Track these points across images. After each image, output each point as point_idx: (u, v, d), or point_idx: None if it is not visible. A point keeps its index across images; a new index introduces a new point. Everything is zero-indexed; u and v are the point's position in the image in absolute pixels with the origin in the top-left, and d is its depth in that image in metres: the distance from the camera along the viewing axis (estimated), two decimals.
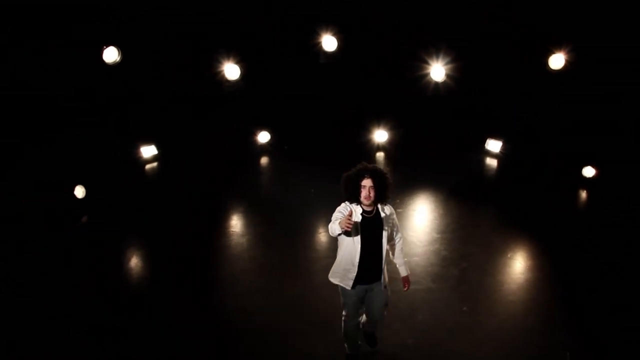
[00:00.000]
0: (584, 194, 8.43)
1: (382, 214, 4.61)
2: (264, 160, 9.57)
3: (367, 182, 4.39)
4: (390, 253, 4.97)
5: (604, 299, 5.98)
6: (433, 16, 9.22)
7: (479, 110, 9.78)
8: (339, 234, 4.40)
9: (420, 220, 7.60)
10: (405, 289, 4.98)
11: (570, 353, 5.20)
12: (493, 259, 6.71)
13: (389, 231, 4.69)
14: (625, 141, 8.38)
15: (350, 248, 4.58)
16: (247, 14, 9.07)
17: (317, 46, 9.34)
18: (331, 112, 9.88)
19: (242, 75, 9.06)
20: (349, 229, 4.19)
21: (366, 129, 9.82)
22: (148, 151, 9.18)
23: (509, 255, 6.78)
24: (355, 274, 4.63)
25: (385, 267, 4.74)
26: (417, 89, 9.53)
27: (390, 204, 4.72)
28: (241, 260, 6.75)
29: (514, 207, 7.99)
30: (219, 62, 9.08)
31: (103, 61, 8.10)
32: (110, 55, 8.10)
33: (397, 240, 4.91)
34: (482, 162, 9.52)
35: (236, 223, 7.70)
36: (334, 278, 4.79)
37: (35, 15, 7.65)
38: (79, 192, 7.64)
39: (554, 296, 6.05)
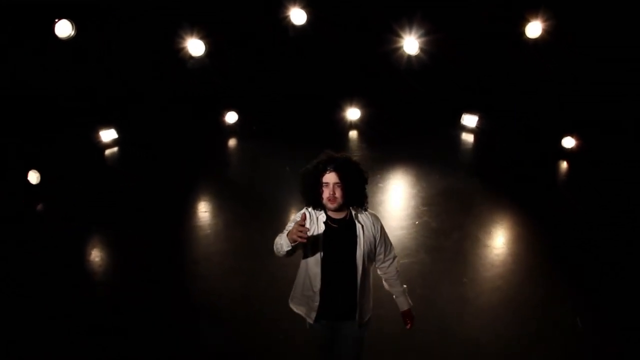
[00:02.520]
0: (564, 165, 8.19)
1: (358, 224, 3.47)
2: (232, 141, 9.02)
3: (330, 178, 3.30)
4: (383, 280, 3.85)
5: (602, 260, 5.80)
6: None
7: (455, 84, 9.45)
8: (288, 252, 3.28)
9: (404, 194, 7.25)
10: (408, 326, 3.86)
11: (580, 319, 4.90)
12: (485, 228, 6.42)
13: (369, 248, 3.51)
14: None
15: (310, 269, 3.49)
16: None
17: (286, 20, 8.85)
18: (300, 89, 9.38)
19: (207, 51, 8.49)
20: (303, 241, 3.13)
21: (338, 107, 9.40)
22: (108, 135, 8.54)
23: (505, 228, 6.44)
24: (317, 303, 3.52)
25: (367, 298, 3.65)
26: (390, 63, 9.13)
27: (372, 212, 3.59)
28: (218, 240, 6.23)
29: (496, 178, 7.71)
30: (182, 38, 8.47)
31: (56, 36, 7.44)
32: (63, 29, 7.45)
33: (388, 262, 3.72)
34: (459, 137, 9.20)
35: (208, 204, 7.18)
36: (294, 304, 3.70)
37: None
38: (33, 177, 6.96)
39: (556, 263, 5.75)
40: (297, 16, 8.80)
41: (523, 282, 5.47)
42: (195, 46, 8.49)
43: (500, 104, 9.37)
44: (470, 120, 9.54)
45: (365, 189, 3.44)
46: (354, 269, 3.50)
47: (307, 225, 3.35)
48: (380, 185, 7.43)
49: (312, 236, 3.38)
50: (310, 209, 3.45)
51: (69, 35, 7.54)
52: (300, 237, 3.09)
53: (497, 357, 4.58)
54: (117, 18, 8.08)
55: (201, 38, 8.50)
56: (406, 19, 9.06)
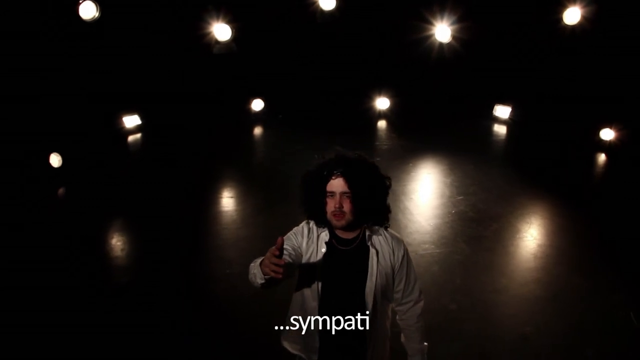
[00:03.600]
0: (602, 157, 7.82)
1: (373, 249, 2.73)
2: (257, 129, 8.77)
3: (337, 186, 2.59)
4: (401, 328, 2.94)
5: None
6: None
7: (487, 73, 9.11)
8: (263, 285, 2.48)
9: (438, 183, 6.94)
10: None
11: (634, 313, 4.55)
12: (524, 219, 6.09)
13: (384, 281, 2.74)
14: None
15: (307, 302, 2.76)
16: None
17: (314, 5, 8.57)
18: (328, 77, 9.11)
19: (234, 36, 8.23)
20: (278, 277, 2.29)
21: (367, 96, 9.11)
22: (131, 121, 8.33)
23: (546, 219, 6.10)
24: (319, 344, 2.80)
25: (381, 346, 2.88)
26: (421, 52, 8.82)
27: (395, 233, 2.84)
28: (244, 225, 5.97)
29: (532, 169, 7.38)
30: (207, 22, 8.23)
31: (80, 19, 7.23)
32: (88, 10, 7.24)
33: (407, 304, 2.87)
34: (491, 128, 8.87)
35: (233, 190, 6.92)
36: (289, 342, 2.96)
37: None
38: (55, 160, 6.74)
39: (601, 255, 5.42)
40: (326, 1, 8.52)
41: (567, 275, 5.14)
42: (221, 31, 8.24)
43: (535, 94, 9.01)
44: (503, 111, 9.21)
45: (386, 201, 2.69)
46: (363, 307, 2.70)
47: (305, 245, 2.73)
48: (413, 173, 7.11)
49: (309, 262, 2.70)
50: (311, 224, 2.77)
51: (93, 17, 7.32)
52: (275, 272, 2.28)
53: (544, 349, 4.25)
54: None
55: (227, 22, 8.24)
56: (437, 5, 8.74)
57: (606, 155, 7.81)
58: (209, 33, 8.36)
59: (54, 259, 5.28)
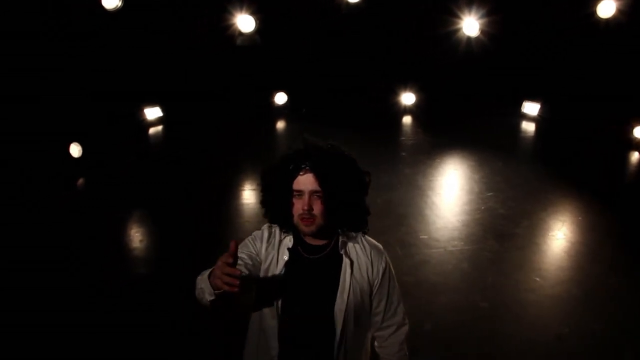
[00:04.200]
0: (636, 156, 7.54)
1: (347, 259, 2.29)
2: (280, 123, 8.62)
3: (305, 183, 2.18)
4: (380, 358, 2.49)
5: None
6: None
7: (516, 68, 8.87)
8: (213, 302, 2.05)
9: (466, 179, 6.73)
10: None
11: None
12: (555, 216, 5.87)
13: (358, 299, 2.29)
14: None
15: (265, 321, 2.31)
16: None
17: None
18: (353, 70, 8.93)
19: (258, 28, 8.09)
20: (233, 290, 1.88)
21: (392, 90, 8.92)
22: (152, 113, 8.23)
23: (579, 217, 5.86)
24: None
25: None
26: (448, 46, 8.61)
27: (375, 242, 2.39)
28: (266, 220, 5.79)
29: (562, 167, 7.13)
30: (230, 14, 8.10)
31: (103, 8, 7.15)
32: (110, 0, 7.15)
33: (388, 330, 2.43)
34: (519, 125, 8.62)
35: (255, 183, 6.75)
36: None
37: None
38: (75, 150, 6.65)
39: (636, 254, 5.20)
40: None
41: (602, 274, 4.91)
42: (245, 22, 8.11)
43: (565, 90, 8.74)
44: (531, 108, 8.95)
45: (364, 201, 2.27)
46: (332, 329, 2.24)
47: (264, 251, 2.30)
48: (440, 169, 6.95)
49: (267, 273, 2.26)
50: (274, 228, 2.34)
51: (115, 7, 7.24)
52: (229, 284, 1.86)
53: (580, 350, 4.04)
54: None
55: (251, 14, 8.11)
56: None
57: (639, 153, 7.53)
58: (233, 25, 8.24)
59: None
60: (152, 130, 8.29)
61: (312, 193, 2.17)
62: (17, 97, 6.22)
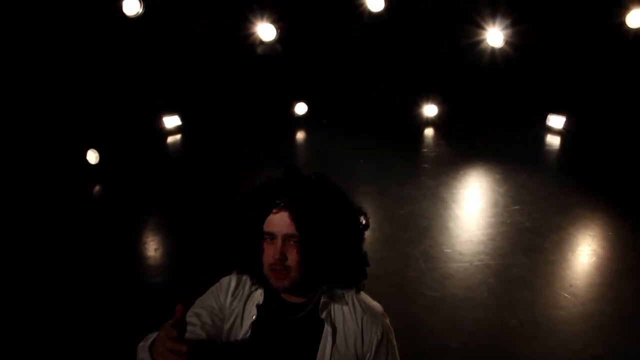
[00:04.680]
0: None
1: (329, 325, 1.84)
2: (300, 134, 8.49)
3: (279, 223, 1.77)
4: None
5: None
6: None
7: (541, 80, 8.69)
8: None
9: (491, 192, 6.55)
10: None
11: None
12: (586, 231, 5.66)
13: None
14: None
15: None
16: None
17: (362, 7, 8.29)
18: (374, 81, 8.81)
19: (279, 36, 7.99)
20: None
21: (414, 102, 8.76)
22: (171, 121, 8.14)
23: (610, 233, 5.64)
24: None
25: None
26: (472, 57, 8.44)
27: (372, 303, 1.98)
28: None
29: (589, 181, 6.87)
30: (251, 22, 8.01)
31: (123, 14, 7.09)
32: (132, 6, 7.09)
33: None
34: (544, 138, 8.42)
35: None
36: None
37: None
38: (92, 157, 6.57)
39: None
40: (375, 3, 8.24)
41: (636, 292, 4.69)
42: (265, 31, 8.02)
43: (592, 103, 8.53)
44: (556, 121, 8.74)
45: (357, 251, 1.83)
46: None
47: (228, 306, 1.87)
48: (464, 181, 6.78)
49: (230, 335, 1.84)
50: (244, 277, 1.92)
51: (137, 14, 7.17)
52: (177, 352, 1.49)
53: None
54: None
55: (272, 22, 8.02)
56: (490, 9, 8.37)
57: None
58: (253, 33, 8.16)
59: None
60: (170, 139, 8.17)
61: (287, 237, 1.73)
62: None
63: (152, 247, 5.50)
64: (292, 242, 1.73)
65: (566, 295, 4.58)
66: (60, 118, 6.52)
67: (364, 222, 1.85)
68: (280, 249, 1.71)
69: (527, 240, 5.42)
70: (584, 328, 4.25)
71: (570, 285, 4.73)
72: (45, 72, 6.43)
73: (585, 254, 5.24)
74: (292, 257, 1.71)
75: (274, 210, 1.74)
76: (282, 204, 1.73)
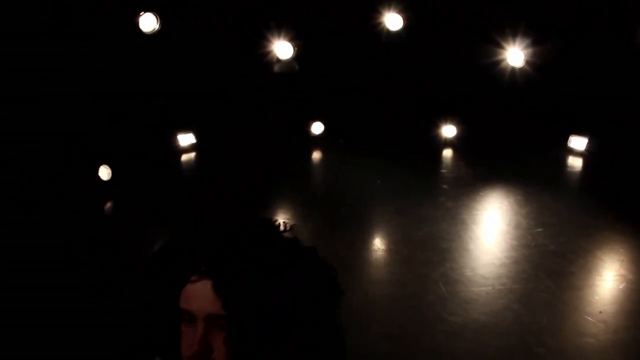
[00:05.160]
0: None
1: None
2: (316, 154, 8.34)
3: (199, 297, 1.27)
4: None
5: None
6: None
7: (563, 101, 8.49)
8: None
9: (513, 214, 6.32)
10: None
11: None
12: (614, 256, 5.42)
13: None
14: None
15: None
16: None
17: (379, 26, 8.20)
18: (392, 101, 8.66)
19: (296, 54, 7.89)
20: None
21: (432, 123, 8.59)
22: (186, 139, 8.04)
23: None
24: None
25: None
26: (491, 77, 8.27)
27: None
28: None
29: (615, 203, 6.62)
30: (268, 40, 7.92)
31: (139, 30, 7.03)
32: (148, 23, 7.03)
33: None
34: (566, 159, 8.19)
35: (289, 213, 6.47)
36: None
37: None
38: (104, 173, 6.46)
39: None
40: (393, 21, 8.14)
41: None
42: (282, 49, 7.93)
43: (615, 124, 8.31)
44: (578, 142, 8.49)
45: (326, 329, 1.38)
46: None
47: None
48: (485, 202, 6.57)
49: None
50: None
51: (153, 30, 7.11)
52: None
53: None
54: (202, 13, 7.57)
55: (289, 40, 7.93)
56: (510, 28, 8.21)
57: None
58: (270, 51, 8.07)
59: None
60: (184, 157, 8.08)
61: (211, 319, 1.24)
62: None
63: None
64: (218, 326, 1.23)
65: (596, 322, 4.32)
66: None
67: (330, 284, 1.33)
68: (202, 336, 1.22)
69: (552, 264, 5.19)
70: (617, 358, 3.99)
71: (600, 312, 4.47)
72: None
73: (614, 278, 5.00)
74: (219, 347, 1.21)
75: (192, 278, 1.24)
76: (202, 272, 1.23)
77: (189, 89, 7.91)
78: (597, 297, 4.75)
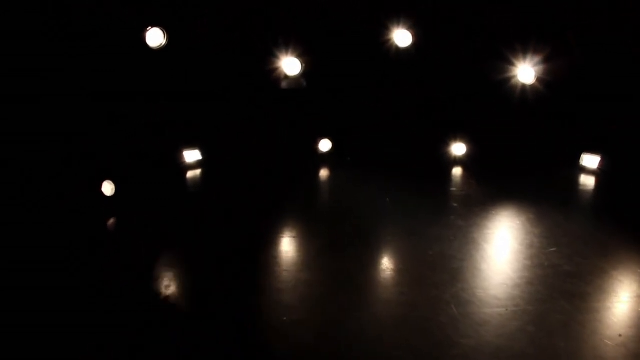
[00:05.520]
0: None
1: None
2: (324, 171, 8.22)
3: None
4: None
5: None
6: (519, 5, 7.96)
7: (575, 118, 8.36)
8: None
9: (526, 233, 6.14)
10: None
11: None
12: (630, 276, 5.23)
13: None
14: None
15: None
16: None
17: (389, 43, 8.12)
18: (401, 118, 8.56)
19: (304, 71, 7.81)
20: None
21: (442, 140, 8.47)
22: (191, 156, 7.95)
23: None
24: None
25: None
26: (502, 94, 8.16)
27: None
28: (305, 268, 5.35)
29: (634, 221, 6.46)
30: (276, 56, 7.85)
31: (146, 45, 6.97)
32: (155, 38, 6.97)
33: None
34: (577, 178, 8.03)
35: (295, 230, 6.34)
36: None
37: None
38: (107, 188, 6.35)
39: None
40: (402, 38, 8.06)
41: None
42: (290, 65, 7.85)
43: (629, 141, 8.16)
44: (591, 161, 8.34)
45: None
46: None
47: None
48: (496, 221, 6.41)
49: None
50: None
51: (160, 45, 7.06)
52: None
53: None
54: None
55: (297, 57, 7.86)
56: (520, 44, 8.12)
57: None
58: (278, 68, 7.99)
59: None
60: (190, 173, 7.97)
61: None
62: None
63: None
64: None
65: (615, 346, 4.13)
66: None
67: None
68: None
69: (568, 285, 5.01)
70: None
71: (620, 335, 4.29)
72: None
73: (632, 300, 4.82)
74: None
75: None
76: None
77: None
78: (615, 320, 4.56)
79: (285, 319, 4.52)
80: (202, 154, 8.11)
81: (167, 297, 4.88)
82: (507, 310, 4.61)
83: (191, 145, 8.03)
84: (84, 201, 6.36)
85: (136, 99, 7.35)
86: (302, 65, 7.82)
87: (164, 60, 7.14)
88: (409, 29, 7.99)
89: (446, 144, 8.53)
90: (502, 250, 5.78)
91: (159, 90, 7.48)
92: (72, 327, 4.30)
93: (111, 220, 6.27)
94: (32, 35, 6.46)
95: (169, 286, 5.06)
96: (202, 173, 7.98)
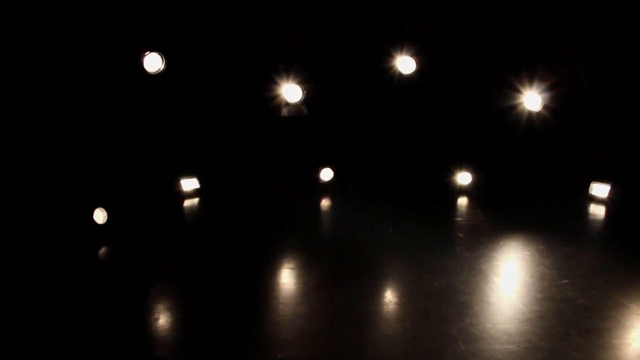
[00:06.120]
0: None
1: None
2: (325, 201, 8.02)
3: None
4: None
5: None
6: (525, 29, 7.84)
7: (583, 146, 8.17)
8: None
9: (536, 265, 5.87)
10: None
11: None
12: None
13: None
14: None
15: None
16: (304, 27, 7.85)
17: (392, 70, 8.00)
18: (404, 147, 8.39)
19: (305, 97, 7.67)
20: None
21: (446, 169, 8.28)
22: (189, 184, 7.77)
23: None
24: None
25: None
26: (508, 122, 8.00)
27: None
28: (305, 300, 5.09)
29: None
30: (276, 83, 7.73)
31: (143, 69, 6.85)
32: (153, 63, 6.85)
33: None
34: (587, 207, 7.81)
35: (294, 261, 6.10)
36: None
37: None
38: (99, 216, 6.15)
39: None
40: (405, 65, 7.93)
41: None
42: (291, 92, 7.71)
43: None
44: (600, 190, 8.13)
45: None
46: None
47: None
48: (505, 253, 6.18)
49: None
50: None
51: (158, 70, 6.93)
52: None
53: None
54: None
55: (298, 83, 7.72)
56: (527, 72, 7.98)
57: None
58: (278, 95, 7.86)
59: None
60: (187, 202, 7.78)
61: None
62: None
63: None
64: None
65: None
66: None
67: None
68: None
69: (583, 319, 4.73)
70: None
71: None
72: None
73: None
74: None
75: None
76: None
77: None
78: (636, 357, 4.26)
79: (280, 355, 4.23)
80: (200, 182, 7.93)
81: (160, 326, 4.63)
82: (518, 346, 4.33)
83: (189, 174, 7.86)
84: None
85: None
86: (303, 92, 7.67)
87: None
88: (412, 55, 7.86)
89: (451, 172, 8.34)
90: (511, 282, 5.52)
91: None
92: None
93: (102, 249, 6.06)
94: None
95: (159, 318, 4.79)
96: (200, 202, 7.80)
